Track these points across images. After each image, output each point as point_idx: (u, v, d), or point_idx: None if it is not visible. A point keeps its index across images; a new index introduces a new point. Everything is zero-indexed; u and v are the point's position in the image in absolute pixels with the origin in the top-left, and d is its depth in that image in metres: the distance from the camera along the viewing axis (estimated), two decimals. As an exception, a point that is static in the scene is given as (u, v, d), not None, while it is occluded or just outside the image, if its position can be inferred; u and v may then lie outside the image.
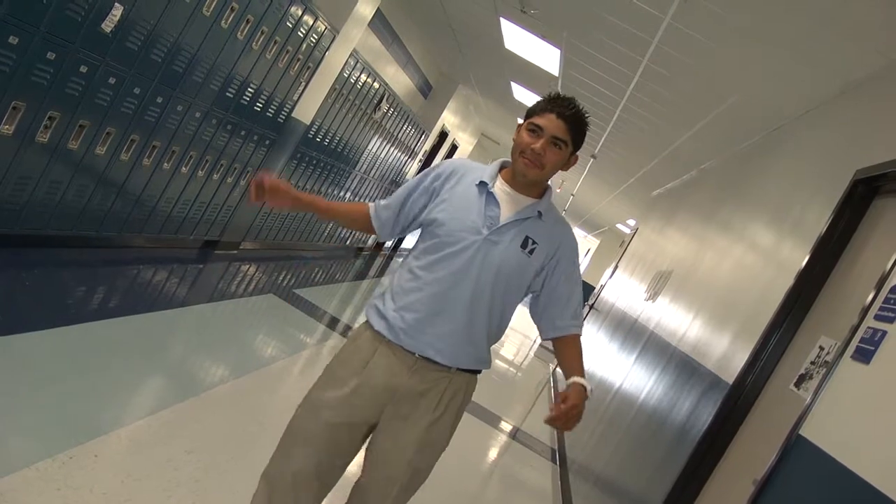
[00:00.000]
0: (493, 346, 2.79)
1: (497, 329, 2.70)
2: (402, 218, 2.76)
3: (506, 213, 2.61)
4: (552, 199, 2.74)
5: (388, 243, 16.66)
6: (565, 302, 2.72)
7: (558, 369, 2.64)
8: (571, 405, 2.48)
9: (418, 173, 2.79)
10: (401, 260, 2.77)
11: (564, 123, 2.56)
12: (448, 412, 2.64)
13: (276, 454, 2.68)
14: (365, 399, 2.59)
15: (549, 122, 2.56)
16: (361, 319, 2.76)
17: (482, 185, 2.63)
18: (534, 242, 2.61)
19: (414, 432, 2.60)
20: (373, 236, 14.62)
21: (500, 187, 2.65)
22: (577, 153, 2.68)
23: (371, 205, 2.82)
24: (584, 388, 2.55)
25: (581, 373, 2.64)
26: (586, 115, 2.63)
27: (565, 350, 2.74)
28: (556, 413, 2.47)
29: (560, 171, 2.71)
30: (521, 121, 2.68)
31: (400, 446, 2.60)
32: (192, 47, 6.03)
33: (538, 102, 2.64)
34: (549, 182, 2.74)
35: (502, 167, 2.72)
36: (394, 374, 2.58)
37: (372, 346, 2.62)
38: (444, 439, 2.68)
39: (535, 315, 2.78)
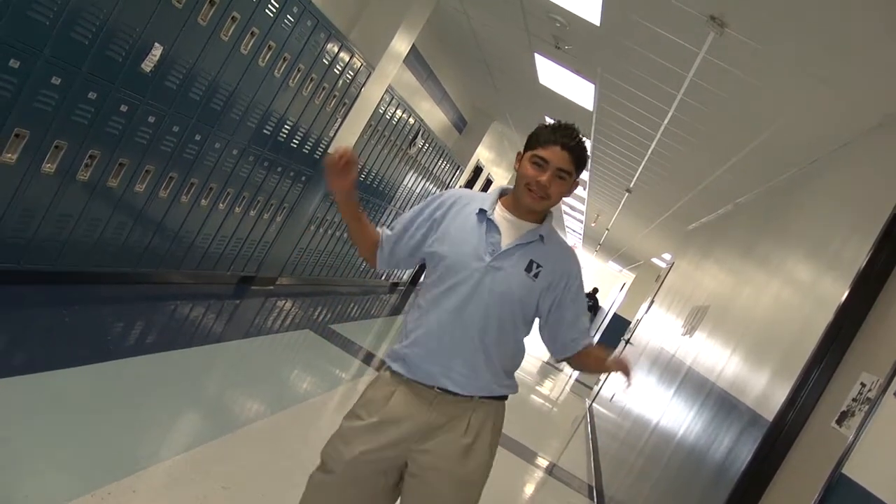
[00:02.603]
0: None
1: (513, 354, 2.69)
2: (400, 248, 2.74)
3: (507, 239, 2.61)
4: (553, 223, 2.74)
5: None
6: (574, 324, 2.72)
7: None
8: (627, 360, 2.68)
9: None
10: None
11: (569, 154, 2.56)
12: (480, 441, 2.61)
13: None
14: (386, 429, 2.57)
15: (554, 154, 2.55)
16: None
17: (481, 212, 2.63)
18: (538, 266, 2.61)
19: (445, 470, 2.56)
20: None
21: (500, 214, 2.66)
22: (578, 179, 2.68)
23: (381, 232, 2.80)
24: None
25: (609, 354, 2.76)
26: (585, 140, 2.64)
27: (585, 355, 2.76)
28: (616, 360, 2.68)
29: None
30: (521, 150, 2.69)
31: (435, 488, 2.57)
32: (230, 85, 6.11)
33: (540, 132, 2.63)
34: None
35: (501, 194, 2.72)
36: (413, 411, 2.57)
37: (390, 387, 2.63)
38: (480, 472, 2.62)
39: (547, 338, 2.76)
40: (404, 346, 2.62)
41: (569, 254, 2.74)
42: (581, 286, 2.74)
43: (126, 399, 4.41)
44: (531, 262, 2.60)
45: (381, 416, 2.59)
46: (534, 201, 2.59)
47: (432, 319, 2.57)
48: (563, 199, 2.72)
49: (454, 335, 2.55)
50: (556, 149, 2.55)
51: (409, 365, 2.59)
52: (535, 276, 2.60)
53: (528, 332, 2.72)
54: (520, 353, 2.73)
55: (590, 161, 12.19)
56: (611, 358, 2.69)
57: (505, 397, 2.71)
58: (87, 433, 3.75)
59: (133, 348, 5.39)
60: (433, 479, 2.57)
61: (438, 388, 2.57)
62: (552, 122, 2.65)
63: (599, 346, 2.78)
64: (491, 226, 2.61)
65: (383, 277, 13.63)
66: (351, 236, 2.83)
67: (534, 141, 2.61)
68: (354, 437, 2.59)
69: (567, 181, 2.60)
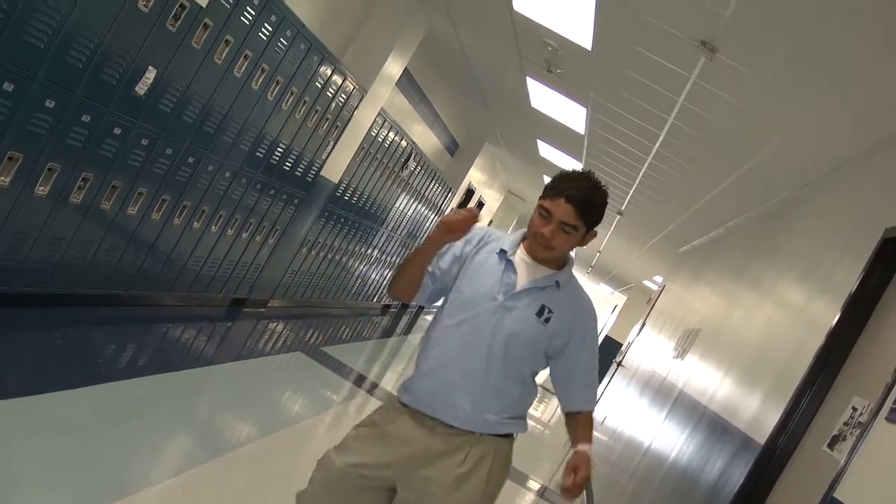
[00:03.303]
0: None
1: (521, 394, 2.67)
2: (439, 284, 2.71)
3: (522, 280, 2.60)
4: (572, 270, 2.72)
5: (413, 303, 16.65)
6: (582, 379, 2.70)
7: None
8: (583, 477, 2.50)
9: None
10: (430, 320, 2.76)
11: (573, 208, 2.49)
12: (477, 473, 2.58)
13: None
14: (384, 448, 2.59)
15: (558, 207, 2.50)
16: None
17: (502, 252, 2.63)
18: (549, 311, 2.59)
19: (438, 496, 2.55)
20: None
21: (520, 256, 2.66)
22: (596, 229, 2.62)
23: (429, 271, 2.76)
24: (590, 457, 2.56)
25: (588, 440, 2.64)
26: (602, 188, 2.56)
27: (578, 420, 2.72)
28: (569, 485, 2.49)
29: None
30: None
31: None
32: (223, 108, 6.12)
33: (551, 181, 2.58)
34: (571, 253, 2.70)
35: (525, 237, 2.70)
36: (415, 436, 2.58)
37: (396, 412, 2.65)
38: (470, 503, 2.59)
39: (555, 385, 2.75)
40: (415, 376, 2.64)
41: (584, 305, 2.71)
42: (595, 342, 2.72)
43: (117, 422, 4.40)
44: (543, 306, 2.59)
45: (384, 431, 2.61)
46: (538, 250, 2.59)
47: (440, 353, 2.60)
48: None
49: (460, 370, 2.56)
50: (561, 201, 2.50)
51: (416, 397, 2.61)
52: (546, 320, 2.58)
53: (536, 374, 2.71)
54: (528, 395, 2.71)
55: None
56: (580, 451, 2.59)
57: (510, 436, 2.68)
58: (79, 456, 3.73)
59: (125, 371, 5.38)
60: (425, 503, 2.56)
61: (441, 420, 2.57)
62: (566, 171, 2.60)
63: (588, 430, 2.72)
64: (509, 266, 2.61)
65: (375, 300, 13.61)
66: (405, 270, 2.71)
67: (545, 190, 2.57)
68: (352, 447, 2.63)
69: (574, 234, 2.55)
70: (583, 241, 2.62)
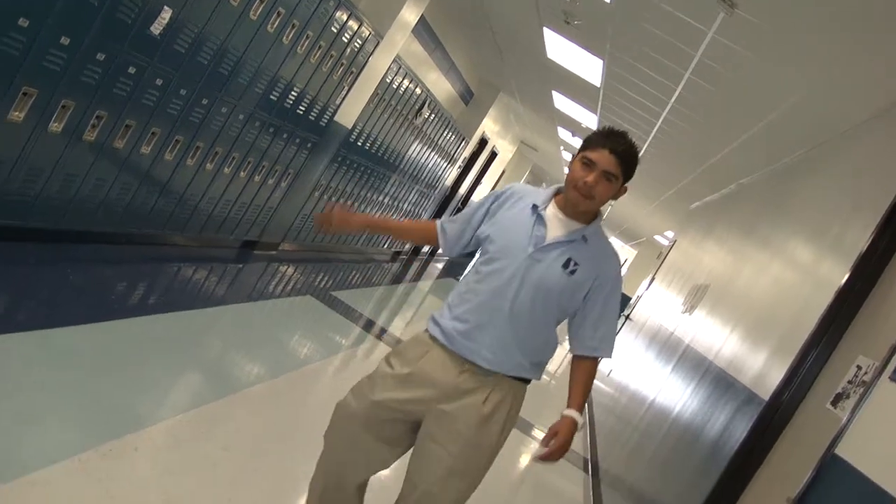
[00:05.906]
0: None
1: (543, 343, 2.85)
2: (465, 236, 2.97)
3: (552, 234, 2.77)
4: (600, 225, 2.88)
5: (425, 248, 16.72)
6: (596, 323, 2.84)
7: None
8: (559, 445, 2.74)
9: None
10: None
11: (616, 158, 2.69)
12: (497, 414, 2.78)
13: (326, 443, 2.93)
14: (414, 386, 2.77)
15: (602, 156, 2.69)
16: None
17: (534, 207, 2.80)
18: (575, 264, 2.75)
19: (461, 432, 2.74)
20: (408, 243, 14.71)
21: (551, 211, 2.82)
22: (627, 185, 2.80)
23: (438, 222, 3.09)
24: (575, 423, 2.77)
25: (579, 403, 2.83)
26: (637, 149, 2.77)
27: (577, 372, 2.90)
28: (546, 452, 2.74)
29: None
30: (569, 157, 2.80)
31: (447, 449, 2.74)
32: (238, 50, 6.10)
33: (592, 136, 2.77)
34: (601, 209, 2.88)
35: (557, 192, 2.88)
36: (444, 370, 2.76)
37: (425, 347, 2.82)
38: (492, 441, 2.79)
39: (570, 331, 2.92)
40: (447, 318, 2.81)
41: (609, 256, 2.87)
42: (614, 292, 2.87)
43: (127, 358, 4.44)
44: (569, 259, 2.75)
45: (411, 369, 2.78)
46: (579, 199, 2.74)
47: (473, 299, 2.77)
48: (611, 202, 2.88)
49: (490, 315, 2.73)
50: (605, 152, 2.69)
51: (447, 336, 2.78)
52: (572, 272, 2.75)
53: (558, 324, 2.87)
54: (550, 345, 2.88)
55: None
56: (565, 417, 2.80)
57: (527, 381, 2.88)
58: (89, 390, 3.78)
59: (135, 308, 5.43)
60: (447, 439, 2.74)
61: (469, 360, 2.74)
62: (606, 127, 2.79)
63: (583, 389, 2.87)
64: (540, 220, 2.79)
65: (385, 247, 13.65)
66: (408, 240, 3.11)
67: (585, 143, 2.77)
68: (382, 383, 2.81)
69: (614, 184, 2.73)
70: (617, 195, 2.80)
